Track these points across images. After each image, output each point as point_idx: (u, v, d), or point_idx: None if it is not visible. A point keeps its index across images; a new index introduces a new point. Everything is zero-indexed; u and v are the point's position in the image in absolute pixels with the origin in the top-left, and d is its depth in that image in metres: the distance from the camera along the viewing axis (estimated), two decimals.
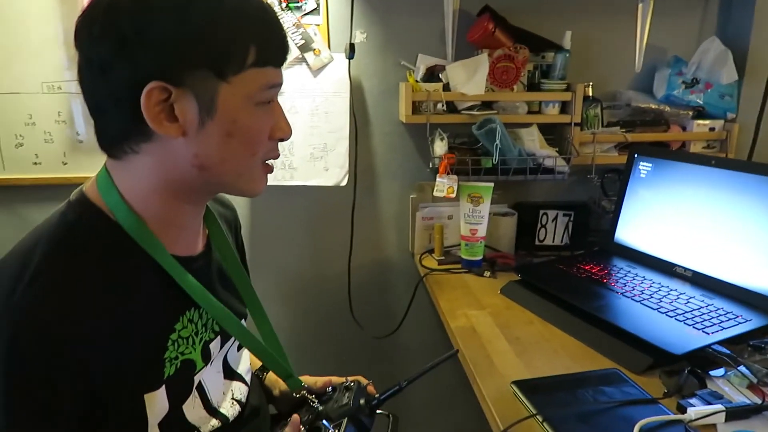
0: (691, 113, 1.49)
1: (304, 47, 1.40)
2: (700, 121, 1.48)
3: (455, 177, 1.38)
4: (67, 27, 1.34)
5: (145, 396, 0.61)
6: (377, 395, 0.80)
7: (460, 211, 1.39)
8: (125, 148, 0.62)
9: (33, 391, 0.55)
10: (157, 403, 0.63)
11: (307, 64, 1.42)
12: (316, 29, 1.41)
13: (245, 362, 0.82)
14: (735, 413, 0.79)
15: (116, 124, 0.61)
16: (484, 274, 1.35)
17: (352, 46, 1.42)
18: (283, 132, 0.68)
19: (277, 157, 0.70)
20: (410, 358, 1.69)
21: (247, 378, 0.82)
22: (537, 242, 1.52)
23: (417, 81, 1.41)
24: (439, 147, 1.40)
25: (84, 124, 1.40)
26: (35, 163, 1.41)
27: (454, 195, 1.38)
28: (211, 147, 0.61)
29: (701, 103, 1.47)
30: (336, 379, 0.88)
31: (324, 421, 0.75)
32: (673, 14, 1.52)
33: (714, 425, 0.78)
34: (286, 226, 1.56)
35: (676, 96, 1.47)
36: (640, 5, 1.47)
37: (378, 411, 0.81)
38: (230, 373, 0.77)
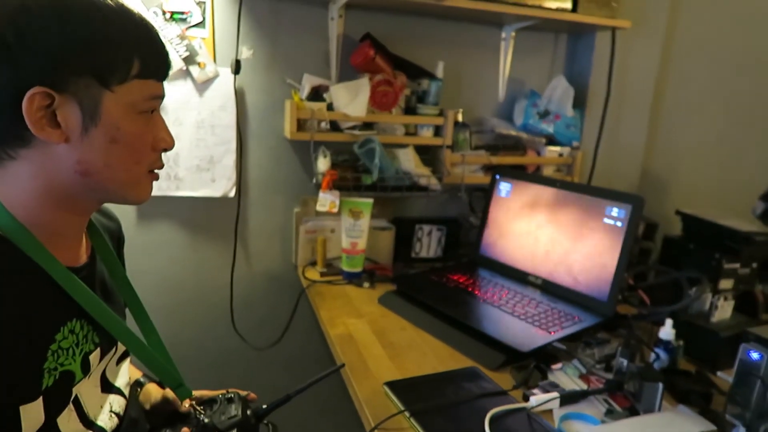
0: (544, 140, 1.69)
1: (189, 60, 1.40)
2: (551, 148, 1.69)
3: (337, 192, 1.45)
4: None
5: (21, 408, 0.60)
6: (264, 406, 0.83)
7: (341, 225, 1.46)
8: (2, 155, 0.61)
9: None
10: (32, 416, 0.61)
11: (192, 78, 1.42)
12: (201, 42, 1.41)
13: (124, 376, 0.82)
14: (567, 398, 0.94)
15: None
16: (364, 285, 1.43)
17: (238, 62, 1.44)
18: (166, 142, 0.70)
19: (161, 167, 0.72)
20: (293, 369, 1.71)
21: (126, 391, 0.81)
22: (413, 254, 1.63)
23: (302, 99, 1.47)
24: (323, 163, 1.46)
25: None
26: None
27: (336, 210, 1.44)
28: (95, 153, 0.63)
29: (551, 132, 1.68)
30: (213, 393, 0.90)
31: None
32: (530, 52, 1.73)
33: (551, 410, 0.92)
34: (168, 237, 1.53)
35: (531, 125, 1.67)
36: (502, 43, 1.66)
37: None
38: (108, 387, 0.76)
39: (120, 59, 0.62)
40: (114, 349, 0.76)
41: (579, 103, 1.71)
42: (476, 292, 1.33)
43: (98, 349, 0.72)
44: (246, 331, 1.61)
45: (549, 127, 1.67)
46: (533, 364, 1.04)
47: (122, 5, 0.63)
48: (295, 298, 1.51)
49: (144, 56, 0.64)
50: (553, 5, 1.48)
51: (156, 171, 0.72)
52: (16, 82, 0.57)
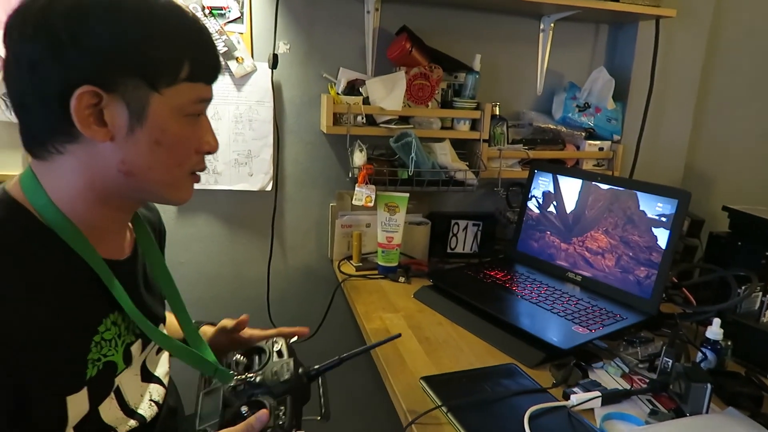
0: (583, 134, 1.65)
1: (227, 55, 1.42)
2: (591, 142, 1.65)
3: (373, 187, 1.45)
4: None
5: (68, 398, 0.62)
6: (316, 366, 0.81)
7: (377, 219, 1.46)
8: (50, 148, 0.62)
9: None
10: (78, 405, 0.63)
11: (230, 72, 1.44)
12: (239, 37, 1.43)
13: (164, 365, 0.83)
14: (609, 398, 0.91)
15: (42, 123, 0.61)
16: (399, 280, 1.43)
17: (275, 57, 1.45)
18: (210, 146, 0.71)
19: (203, 169, 0.72)
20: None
21: (165, 380, 0.83)
22: (448, 250, 1.62)
23: (338, 93, 1.47)
24: (359, 158, 1.46)
25: None
26: None
27: (372, 204, 1.44)
28: (139, 154, 0.63)
29: (592, 125, 1.64)
30: (257, 333, 0.91)
31: (267, 398, 0.74)
32: (569, 45, 1.69)
33: (592, 409, 0.90)
34: (206, 230, 1.56)
35: (570, 118, 1.64)
36: (540, 35, 1.62)
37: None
38: (148, 376, 0.78)
39: (170, 62, 0.62)
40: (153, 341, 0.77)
41: (620, 95, 1.67)
42: (513, 288, 1.31)
43: (139, 340, 0.74)
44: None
45: (589, 121, 1.63)
46: (573, 362, 1.01)
47: (176, 6, 0.64)
48: (330, 292, 1.51)
49: (194, 59, 0.64)
50: None
51: (198, 173, 0.72)
52: (67, 80, 0.58)
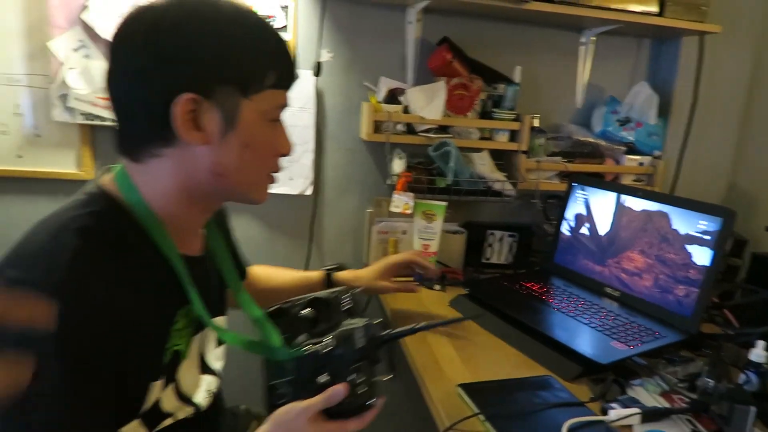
0: (623, 148, 1.64)
1: None
2: (631, 156, 1.64)
3: (411, 194, 1.46)
4: (30, 19, 1.32)
5: (152, 384, 0.66)
6: (389, 331, 0.79)
7: (414, 226, 1.47)
8: (147, 152, 0.67)
9: (91, 373, 0.58)
10: (155, 392, 0.67)
11: None
12: None
13: (220, 359, 0.87)
14: (649, 415, 0.90)
15: (142, 129, 0.67)
16: (435, 288, 1.43)
17: (318, 65, 1.49)
18: (287, 149, 0.76)
19: (279, 170, 0.77)
20: None
21: (221, 373, 0.87)
22: (483, 260, 1.62)
23: (378, 102, 1.49)
24: (398, 165, 1.48)
25: (43, 119, 1.38)
26: None
27: (410, 211, 1.46)
28: (230, 156, 0.68)
29: (632, 139, 1.63)
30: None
31: (341, 369, 0.74)
32: (610, 58, 1.68)
33: (630, 426, 0.89)
34: (246, 232, 1.59)
35: (611, 132, 1.63)
36: (581, 48, 1.62)
37: None
38: (205, 368, 0.82)
39: (259, 70, 0.67)
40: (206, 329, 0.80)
41: (662, 111, 1.65)
42: (550, 301, 1.30)
43: (200, 332, 0.77)
44: None
45: (629, 135, 1.62)
46: (611, 378, 1.00)
47: (263, 20, 0.69)
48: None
49: (279, 68, 0.70)
50: (638, 8, 1.44)
51: (273, 174, 0.77)
52: (170, 88, 0.63)
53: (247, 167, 0.70)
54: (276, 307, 0.84)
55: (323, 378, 0.73)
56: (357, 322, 0.77)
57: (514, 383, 0.99)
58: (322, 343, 0.75)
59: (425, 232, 1.44)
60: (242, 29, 0.66)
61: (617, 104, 1.64)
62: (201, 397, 0.79)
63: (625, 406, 0.92)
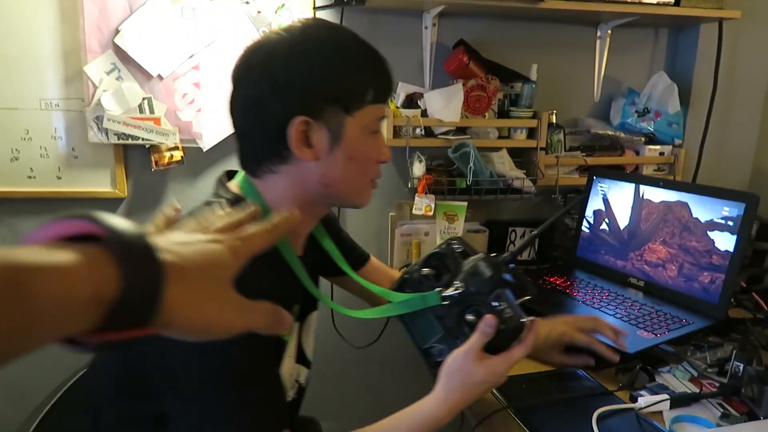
0: (643, 139, 1.64)
1: None
2: (651, 147, 1.63)
3: (432, 196, 1.49)
4: (67, 45, 1.38)
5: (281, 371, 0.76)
6: (508, 252, 0.84)
7: (436, 228, 1.50)
8: (265, 169, 0.75)
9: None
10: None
11: None
12: None
13: (312, 345, 0.94)
14: (678, 400, 0.91)
15: (261, 148, 0.75)
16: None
17: None
18: (386, 156, 0.82)
19: (379, 176, 0.83)
20: (388, 368, 1.77)
21: (311, 362, 0.93)
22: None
23: (397, 107, 1.53)
24: (418, 168, 1.51)
25: (79, 140, 1.45)
26: (29, 177, 1.45)
27: (431, 213, 1.48)
28: (336, 169, 0.75)
29: (652, 130, 1.63)
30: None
31: (482, 302, 0.77)
32: (627, 50, 1.68)
33: (660, 412, 0.90)
34: None
35: (629, 123, 1.63)
36: (597, 41, 1.63)
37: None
38: (301, 358, 0.88)
39: (359, 89, 0.74)
40: (307, 320, 0.89)
41: (681, 99, 1.64)
42: (574, 294, 1.32)
43: (298, 323, 0.85)
44: (345, 329, 1.68)
45: (649, 126, 1.62)
46: (639, 366, 1.01)
47: (362, 41, 0.76)
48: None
49: (377, 85, 0.76)
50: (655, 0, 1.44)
51: (374, 179, 0.83)
52: (285, 113, 0.71)
53: (351, 177, 0.77)
54: (399, 279, 0.91)
55: (470, 317, 0.77)
56: (476, 258, 0.83)
57: (542, 375, 1.01)
58: (454, 287, 0.80)
59: (447, 232, 1.47)
60: (343, 54, 0.74)
61: (635, 95, 1.64)
62: (289, 388, 0.84)
63: (654, 393, 0.94)
